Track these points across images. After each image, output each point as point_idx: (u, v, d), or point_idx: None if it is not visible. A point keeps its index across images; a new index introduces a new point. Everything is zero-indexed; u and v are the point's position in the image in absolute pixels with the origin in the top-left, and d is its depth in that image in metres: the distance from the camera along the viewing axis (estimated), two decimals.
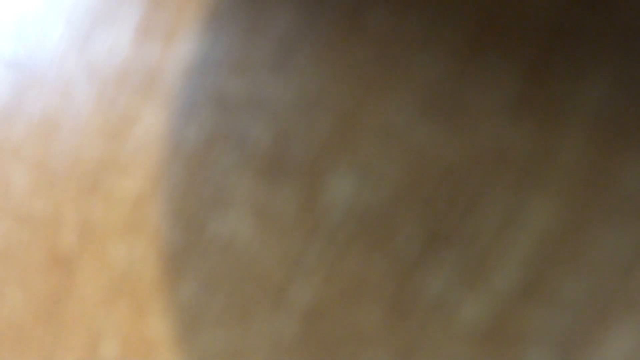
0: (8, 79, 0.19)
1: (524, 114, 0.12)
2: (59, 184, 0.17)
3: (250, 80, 0.15)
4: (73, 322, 0.17)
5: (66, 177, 0.17)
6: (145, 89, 0.16)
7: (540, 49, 0.12)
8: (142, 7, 0.16)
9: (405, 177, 0.13)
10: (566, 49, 0.12)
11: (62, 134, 0.17)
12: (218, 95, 0.15)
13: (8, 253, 0.18)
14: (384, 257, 0.13)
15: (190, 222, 0.15)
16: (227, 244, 0.15)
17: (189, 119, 0.15)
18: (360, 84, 0.13)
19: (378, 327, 0.13)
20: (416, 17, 0.13)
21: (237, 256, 0.14)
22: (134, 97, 0.16)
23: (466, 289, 0.12)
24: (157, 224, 0.15)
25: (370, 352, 0.13)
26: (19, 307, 0.18)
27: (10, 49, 0.19)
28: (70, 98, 0.17)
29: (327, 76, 0.14)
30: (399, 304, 0.13)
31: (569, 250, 0.12)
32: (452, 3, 0.13)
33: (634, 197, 0.11)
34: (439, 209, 0.13)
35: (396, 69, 0.13)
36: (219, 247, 0.15)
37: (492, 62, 0.12)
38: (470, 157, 0.12)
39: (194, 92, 0.15)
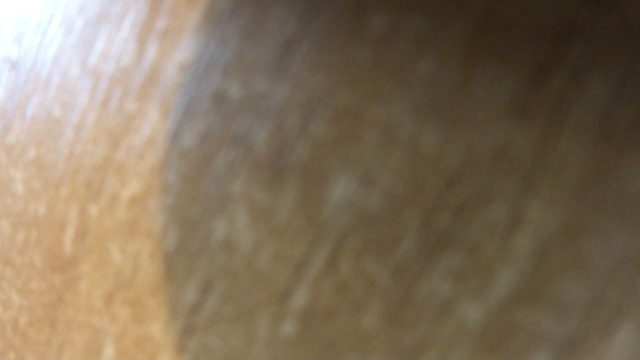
0: (9, 80, 0.19)
1: (527, 116, 0.12)
2: (60, 185, 0.17)
3: (249, 81, 0.15)
4: (74, 323, 0.17)
5: (67, 178, 0.17)
6: (146, 90, 0.16)
7: (543, 50, 0.12)
8: (143, 8, 0.16)
9: (407, 180, 0.13)
10: (569, 50, 0.12)
11: (62, 135, 0.17)
12: (218, 96, 0.15)
13: (8, 254, 0.18)
14: (386, 260, 0.13)
15: (190, 223, 0.15)
16: (227, 245, 0.15)
17: (189, 120, 0.15)
18: (360, 85, 0.13)
19: (380, 332, 0.13)
20: (417, 18, 0.13)
21: (237, 257, 0.14)
22: (134, 97, 0.16)
23: (469, 293, 0.12)
24: (157, 225, 0.15)
25: (372, 356, 0.13)
26: (19, 308, 0.18)
27: (11, 50, 0.19)
28: (71, 99, 0.17)
29: (327, 77, 0.14)
30: (402, 308, 0.13)
31: (572, 252, 0.12)
32: (453, 3, 0.13)
33: (637, 199, 0.11)
34: (441, 213, 0.12)
35: (397, 70, 0.13)
36: (219, 248, 0.15)
37: (494, 63, 0.12)
38: (472, 159, 0.12)
39: (194, 93, 0.15)
